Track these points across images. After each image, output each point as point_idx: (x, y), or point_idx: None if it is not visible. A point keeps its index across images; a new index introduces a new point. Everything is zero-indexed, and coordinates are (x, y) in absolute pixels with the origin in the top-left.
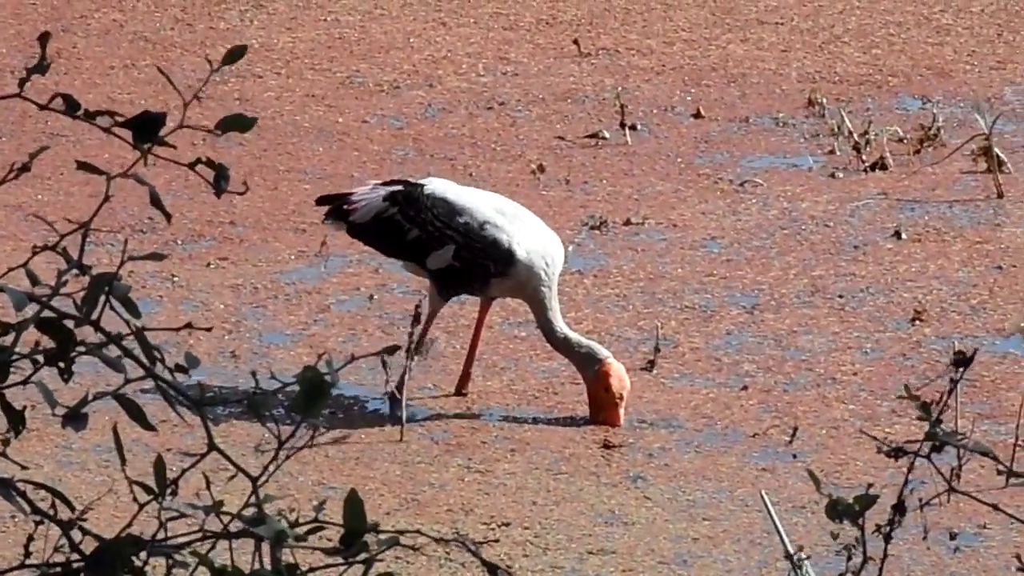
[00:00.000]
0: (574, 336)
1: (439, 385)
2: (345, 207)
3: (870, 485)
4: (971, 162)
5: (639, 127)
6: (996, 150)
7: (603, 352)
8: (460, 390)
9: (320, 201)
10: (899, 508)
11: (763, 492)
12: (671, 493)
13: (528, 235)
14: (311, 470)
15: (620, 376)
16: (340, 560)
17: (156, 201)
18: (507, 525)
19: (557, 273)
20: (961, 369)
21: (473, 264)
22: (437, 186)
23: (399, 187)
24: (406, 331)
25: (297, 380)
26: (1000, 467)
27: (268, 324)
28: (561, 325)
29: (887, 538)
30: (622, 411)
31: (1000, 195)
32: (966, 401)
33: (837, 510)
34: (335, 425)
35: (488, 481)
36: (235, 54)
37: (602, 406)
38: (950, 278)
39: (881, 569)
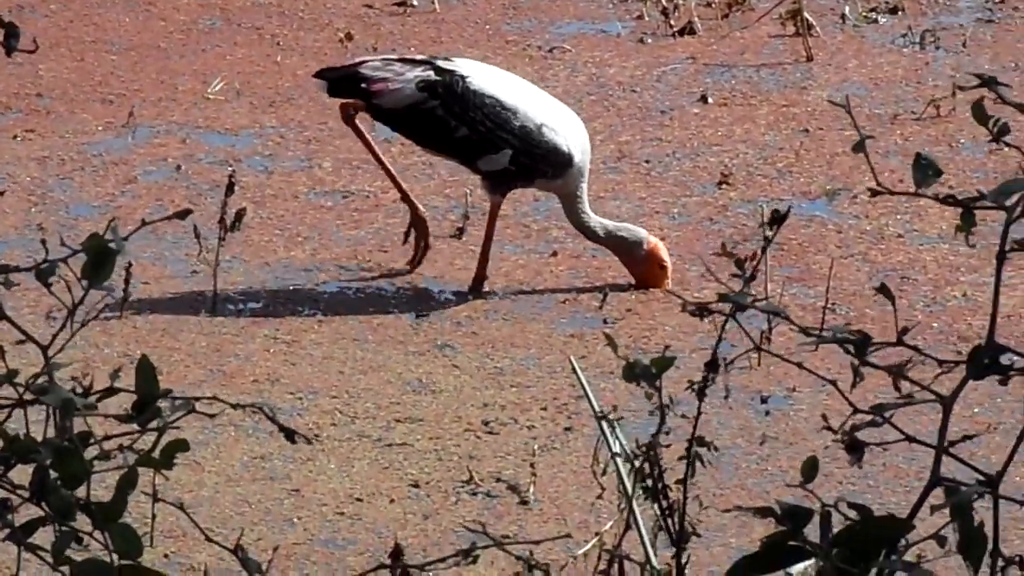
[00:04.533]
0: (609, 224)
1: (242, 256)
2: (365, 86)
3: (667, 347)
4: (779, 26)
5: None
6: (805, 13)
7: (640, 231)
8: (476, 285)
9: (321, 74)
10: (712, 366)
11: (571, 357)
12: (479, 361)
13: (575, 133)
14: (117, 341)
15: (663, 247)
16: (135, 427)
17: None
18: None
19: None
20: (776, 227)
21: (531, 169)
22: (480, 79)
23: (430, 71)
24: (214, 201)
25: (83, 248)
26: (795, 328)
27: (75, 196)
28: (593, 216)
29: (700, 395)
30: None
31: (809, 59)
32: (775, 265)
33: (634, 372)
34: (144, 296)
35: (294, 351)
36: None
37: (656, 281)
38: (756, 141)
39: (695, 427)
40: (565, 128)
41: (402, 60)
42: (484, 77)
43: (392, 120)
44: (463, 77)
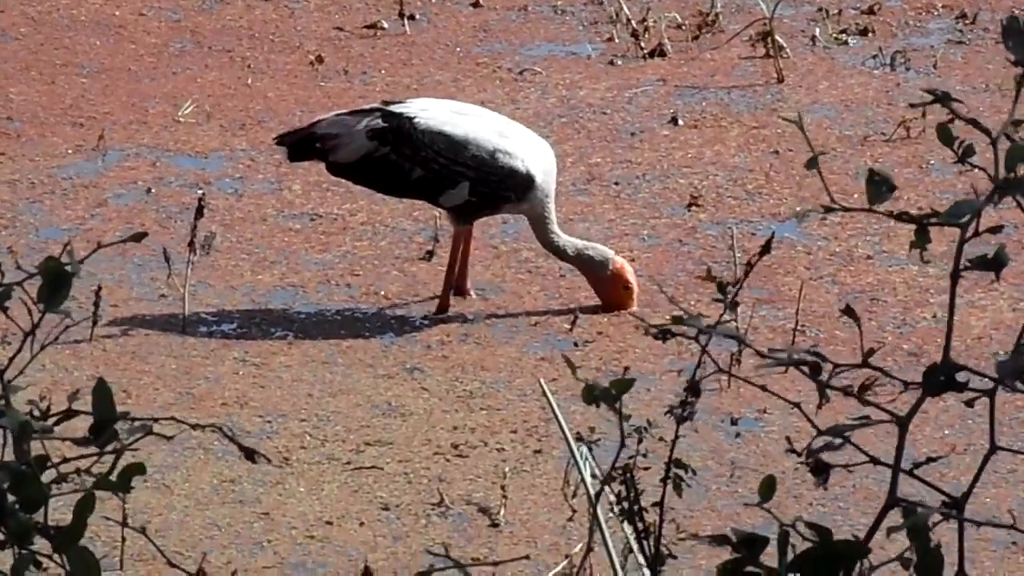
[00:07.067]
0: (578, 243)
1: (208, 281)
2: (318, 145)
3: (626, 368)
4: (750, 48)
5: (418, 17)
6: (776, 35)
7: (607, 251)
8: (440, 311)
9: (280, 140)
10: (693, 389)
11: (541, 380)
12: (448, 384)
13: (534, 153)
14: (87, 364)
15: (630, 268)
16: (92, 450)
17: None
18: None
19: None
20: (760, 256)
21: (493, 196)
22: (428, 117)
23: (378, 118)
24: (184, 224)
25: (39, 271)
26: (757, 351)
27: (45, 219)
28: (562, 235)
29: (680, 420)
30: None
31: (780, 80)
32: (744, 286)
33: (594, 395)
34: (113, 319)
35: (264, 374)
36: None
37: (620, 302)
38: (726, 163)
39: (672, 449)
40: (522, 150)
41: (352, 112)
42: (432, 114)
43: (350, 173)
44: (410, 118)
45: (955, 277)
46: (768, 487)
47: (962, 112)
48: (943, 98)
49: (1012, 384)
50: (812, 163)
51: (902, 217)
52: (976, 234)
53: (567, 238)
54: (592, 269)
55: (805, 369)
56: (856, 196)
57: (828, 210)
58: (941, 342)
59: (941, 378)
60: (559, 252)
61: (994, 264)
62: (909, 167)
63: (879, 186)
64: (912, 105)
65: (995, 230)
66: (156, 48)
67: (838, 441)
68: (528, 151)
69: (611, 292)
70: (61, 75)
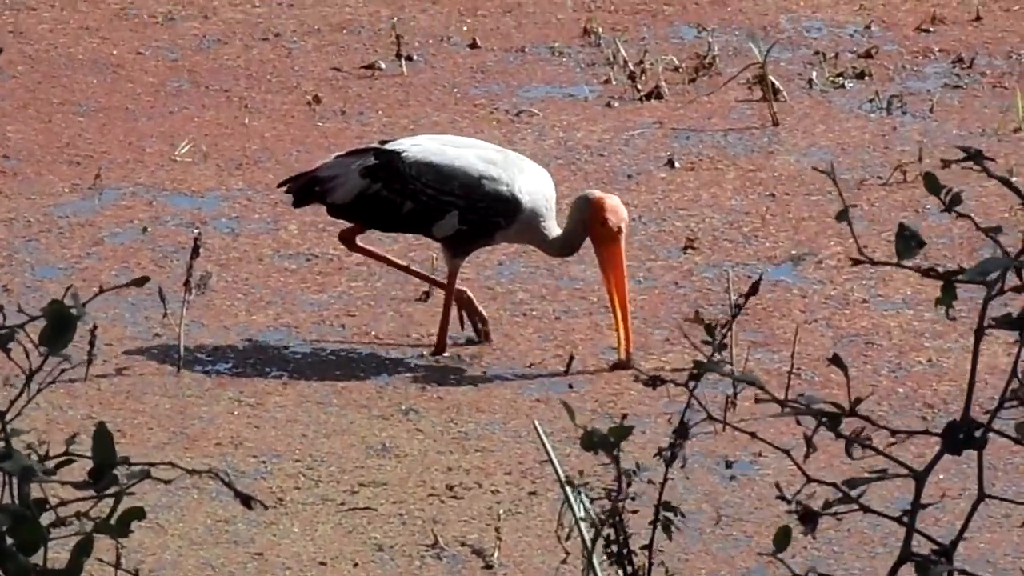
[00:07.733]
0: (566, 223)
1: (203, 321)
2: (317, 188)
3: (624, 415)
4: (747, 91)
5: (415, 57)
6: (771, 78)
7: (588, 193)
8: (438, 352)
9: (282, 185)
10: (681, 432)
11: (536, 422)
12: (443, 425)
13: (522, 177)
14: (81, 404)
15: (614, 206)
16: (91, 493)
17: None
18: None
19: (553, 204)
20: (747, 298)
21: (482, 224)
22: (415, 151)
23: (371, 158)
24: (180, 263)
25: (43, 314)
26: (767, 398)
27: (41, 258)
28: (556, 235)
29: (668, 462)
30: (623, 244)
31: (775, 123)
32: (739, 330)
33: (592, 441)
34: (107, 358)
35: (258, 414)
36: None
37: (603, 240)
38: (723, 206)
39: (661, 492)
40: (507, 174)
41: (349, 153)
42: (420, 148)
43: (347, 213)
44: (398, 154)
45: (979, 335)
46: (783, 537)
47: (997, 170)
48: (975, 156)
49: None
50: (842, 215)
51: (929, 273)
52: (1001, 291)
53: (557, 231)
54: (582, 218)
55: (820, 420)
56: (851, 241)
57: (856, 262)
58: (936, 386)
59: (960, 436)
60: (565, 247)
61: (1019, 324)
62: (905, 211)
63: (908, 241)
64: (944, 162)
65: (1020, 289)
66: (153, 87)
67: (851, 497)
68: (514, 175)
69: (592, 231)
70: (58, 114)
